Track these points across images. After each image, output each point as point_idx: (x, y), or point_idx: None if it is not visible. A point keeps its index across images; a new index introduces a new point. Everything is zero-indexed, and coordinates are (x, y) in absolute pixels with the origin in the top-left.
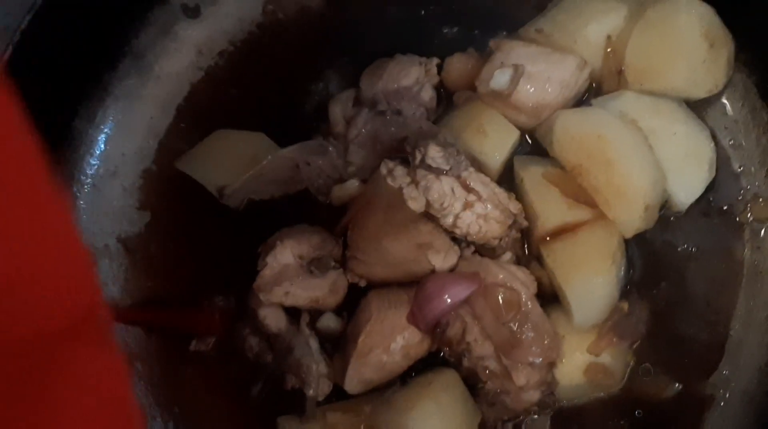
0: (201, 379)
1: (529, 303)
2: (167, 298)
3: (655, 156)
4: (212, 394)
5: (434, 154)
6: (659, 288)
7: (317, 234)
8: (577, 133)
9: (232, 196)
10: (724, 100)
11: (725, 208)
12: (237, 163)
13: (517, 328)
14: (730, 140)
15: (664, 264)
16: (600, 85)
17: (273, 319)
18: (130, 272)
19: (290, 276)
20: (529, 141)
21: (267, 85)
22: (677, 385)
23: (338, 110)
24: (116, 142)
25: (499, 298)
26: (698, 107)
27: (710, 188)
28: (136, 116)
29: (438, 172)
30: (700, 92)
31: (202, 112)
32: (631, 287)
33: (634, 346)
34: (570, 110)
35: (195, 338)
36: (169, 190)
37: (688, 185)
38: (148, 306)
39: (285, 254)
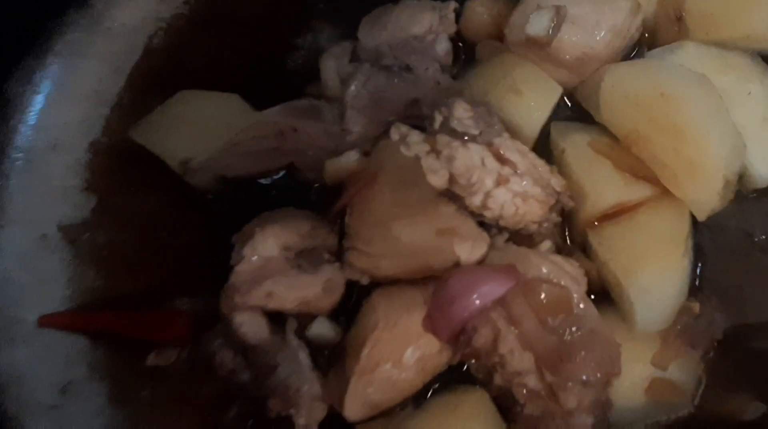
0: (160, 403)
1: (581, 303)
2: (119, 300)
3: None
4: (175, 422)
5: (462, 114)
6: (735, 285)
7: (307, 220)
8: (633, 92)
9: (199, 173)
10: None
11: None
12: (205, 131)
13: (566, 336)
14: None
15: (739, 254)
16: (654, 36)
17: (251, 328)
18: (73, 268)
19: (273, 272)
20: (568, 104)
21: (241, 39)
22: (760, 405)
23: (331, 66)
24: (57, 109)
25: (543, 297)
26: None
27: None
28: (82, 77)
29: (465, 138)
30: None
31: (162, 71)
32: (701, 283)
33: (707, 357)
34: (622, 64)
35: (154, 350)
36: (121, 168)
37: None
38: (96, 310)
39: (267, 245)
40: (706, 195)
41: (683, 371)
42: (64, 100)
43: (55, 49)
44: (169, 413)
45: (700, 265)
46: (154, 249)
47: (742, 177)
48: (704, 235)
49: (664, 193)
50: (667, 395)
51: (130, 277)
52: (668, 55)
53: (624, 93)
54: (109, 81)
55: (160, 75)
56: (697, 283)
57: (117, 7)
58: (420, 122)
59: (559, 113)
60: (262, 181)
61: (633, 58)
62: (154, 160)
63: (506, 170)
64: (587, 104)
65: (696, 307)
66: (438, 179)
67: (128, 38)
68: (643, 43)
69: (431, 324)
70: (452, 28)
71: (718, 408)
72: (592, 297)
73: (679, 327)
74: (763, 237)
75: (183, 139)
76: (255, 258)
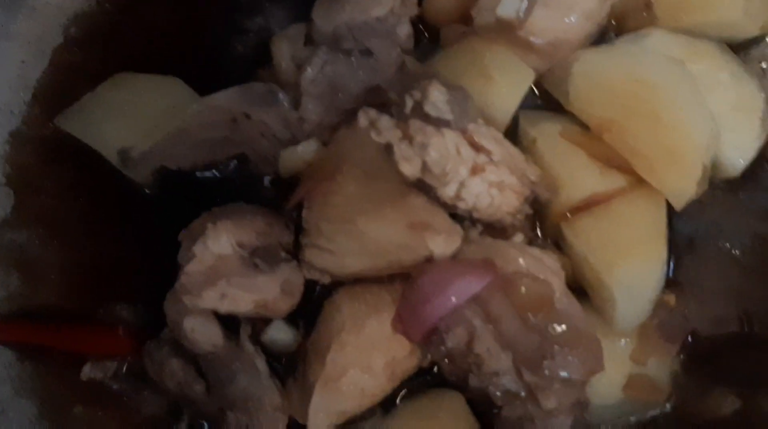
0: (96, 421)
1: (564, 298)
2: (48, 309)
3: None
4: None
5: (437, 97)
6: (708, 275)
7: (261, 215)
8: (605, 78)
9: (139, 165)
10: None
11: None
12: (144, 117)
13: (548, 333)
14: None
15: (712, 244)
16: (622, 22)
17: (204, 333)
18: None
19: (227, 272)
20: (536, 92)
21: (183, 20)
22: (736, 399)
23: (285, 50)
24: None
25: (524, 292)
26: (739, 51)
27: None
28: (1, 61)
29: (439, 123)
30: (746, 31)
31: (93, 54)
32: (675, 275)
33: (683, 351)
34: (593, 49)
35: (88, 362)
36: (47, 160)
37: (739, 143)
38: (21, 321)
39: (220, 242)
40: (685, 183)
41: (660, 368)
42: None
43: None
44: None
45: (673, 257)
46: (87, 251)
47: (713, 167)
48: (676, 226)
49: (639, 182)
50: (645, 392)
51: (59, 284)
52: (637, 42)
53: (596, 80)
54: (31, 64)
55: (89, 58)
56: (670, 274)
57: None
58: (382, 111)
59: (525, 102)
60: (209, 173)
61: (600, 45)
62: (83, 151)
63: (482, 158)
64: (556, 92)
65: (672, 299)
66: (411, 168)
67: (54, 17)
68: (611, 30)
69: (401, 325)
70: (414, 11)
71: (694, 404)
72: None
73: (657, 321)
74: (733, 228)
75: (119, 126)
76: (207, 256)
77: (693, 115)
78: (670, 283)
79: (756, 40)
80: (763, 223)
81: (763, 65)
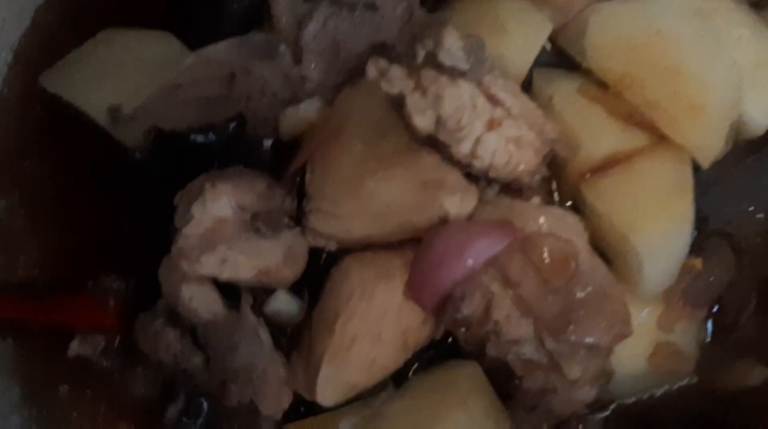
0: (84, 401)
1: (588, 258)
2: (33, 281)
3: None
4: (102, 423)
5: (453, 44)
6: (736, 240)
7: (261, 178)
8: (624, 32)
9: (130, 124)
10: None
11: None
12: (135, 74)
13: (572, 296)
14: None
15: (736, 208)
16: None
17: (203, 301)
18: None
19: (228, 236)
20: (548, 48)
21: None
22: (764, 369)
23: (284, 5)
24: None
25: (545, 253)
26: (758, 8)
27: None
28: None
29: (453, 74)
30: None
31: (78, 9)
32: (700, 239)
33: (708, 322)
34: (610, 2)
35: (76, 338)
36: (29, 123)
37: (763, 100)
38: (4, 294)
39: (220, 203)
40: (710, 139)
41: (687, 336)
42: None
43: None
44: (95, 413)
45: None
46: (73, 220)
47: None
48: (698, 189)
49: (661, 139)
50: (672, 362)
51: (43, 255)
52: None
53: (614, 33)
54: (11, 22)
55: (74, 13)
56: (695, 239)
57: None
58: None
59: (539, 60)
60: (205, 137)
61: None
62: (69, 113)
63: (498, 112)
64: (572, 48)
65: (698, 263)
66: (424, 121)
67: None
68: None
69: (414, 292)
70: None
71: (721, 375)
72: None
73: (683, 285)
74: (757, 191)
75: (107, 84)
76: (206, 218)
77: (717, 68)
78: (696, 248)
79: None
80: None
81: None
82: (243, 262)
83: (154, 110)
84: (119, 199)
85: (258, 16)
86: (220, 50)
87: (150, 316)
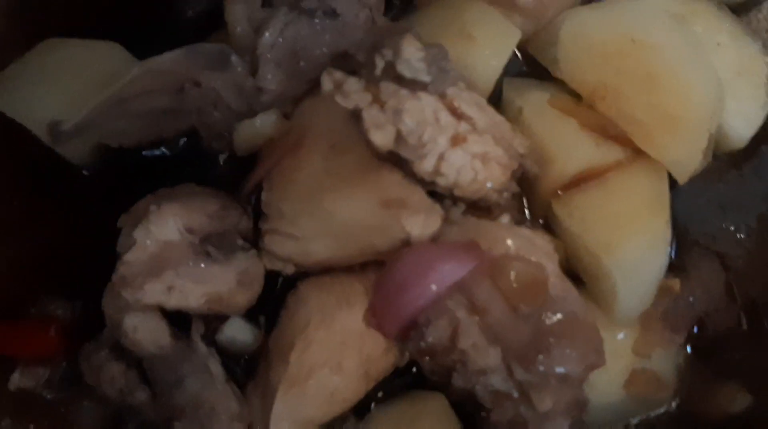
0: None
1: (558, 282)
2: None
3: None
4: None
5: (412, 54)
6: (711, 261)
7: (214, 198)
8: (598, 40)
9: (72, 140)
10: None
11: None
12: (80, 86)
13: (542, 323)
14: None
15: (716, 226)
16: None
17: (147, 332)
18: None
19: (175, 261)
20: (520, 58)
21: None
22: (747, 395)
23: (240, 12)
24: None
25: (513, 277)
26: (739, 13)
27: None
28: None
29: (414, 86)
30: None
31: (19, 17)
32: (678, 258)
33: (688, 343)
34: (584, 8)
35: (17, 370)
36: None
37: (744, 111)
38: None
39: (165, 226)
40: (688, 153)
41: (664, 361)
42: None
43: None
44: None
45: (674, 238)
46: (14, 241)
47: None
48: (676, 207)
49: (637, 153)
50: (649, 389)
51: None
52: (630, 1)
53: (587, 41)
54: None
55: (16, 22)
56: (672, 258)
57: None
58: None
59: (509, 69)
60: (155, 152)
61: (591, 2)
62: (10, 127)
63: (463, 127)
64: (543, 58)
65: (676, 284)
66: (383, 137)
67: None
68: None
69: (376, 319)
70: None
71: (701, 401)
72: None
73: (661, 309)
74: (738, 208)
75: (49, 97)
76: (150, 242)
77: (695, 77)
78: (674, 268)
79: (756, 1)
80: None
81: (765, 26)
82: (192, 289)
83: (97, 125)
84: (66, 217)
85: (213, 24)
86: (167, 60)
87: (94, 347)
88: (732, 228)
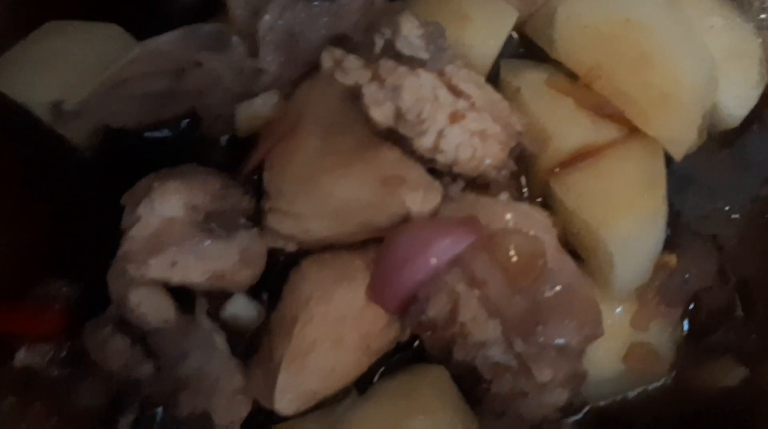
0: (36, 414)
1: (556, 255)
2: None
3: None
4: None
5: (411, 32)
6: (713, 237)
7: (216, 177)
8: (593, 21)
9: (74, 120)
10: None
11: None
12: (82, 67)
13: (540, 296)
14: None
15: (709, 206)
16: None
17: (152, 306)
18: None
19: (178, 237)
20: (516, 39)
21: None
22: (742, 368)
23: None
24: None
25: (512, 251)
26: None
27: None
28: None
29: (413, 63)
30: None
31: (22, 3)
32: (674, 235)
33: (684, 321)
34: None
35: (22, 347)
36: None
37: (737, 91)
38: None
39: (169, 203)
40: (683, 131)
41: (662, 335)
42: None
43: None
44: (44, 426)
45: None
46: (16, 221)
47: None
48: (670, 186)
49: (633, 131)
50: (647, 363)
51: None
52: None
53: (583, 22)
54: None
55: (17, 5)
56: (669, 234)
57: None
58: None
59: (506, 51)
60: (156, 133)
61: None
62: (12, 108)
63: (461, 104)
64: (540, 39)
65: (673, 259)
66: (382, 113)
67: None
68: None
69: (376, 293)
70: None
71: (698, 375)
72: None
73: (657, 283)
74: (731, 188)
75: (51, 79)
76: (154, 219)
77: (688, 56)
78: (670, 244)
79: None
80: (763, 184)
81: (758, 8)
82: (194, 265)
83: (98, 106)
84: (68, 199)
85: (212, 7)
86: (167, 41)
87: (99, 323)
88: (726, 208)
